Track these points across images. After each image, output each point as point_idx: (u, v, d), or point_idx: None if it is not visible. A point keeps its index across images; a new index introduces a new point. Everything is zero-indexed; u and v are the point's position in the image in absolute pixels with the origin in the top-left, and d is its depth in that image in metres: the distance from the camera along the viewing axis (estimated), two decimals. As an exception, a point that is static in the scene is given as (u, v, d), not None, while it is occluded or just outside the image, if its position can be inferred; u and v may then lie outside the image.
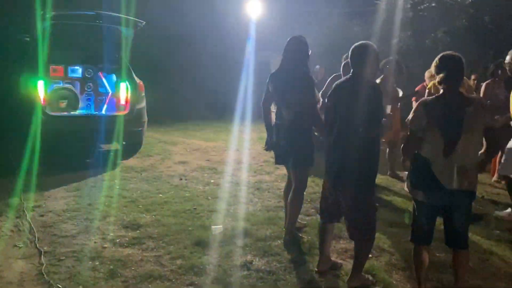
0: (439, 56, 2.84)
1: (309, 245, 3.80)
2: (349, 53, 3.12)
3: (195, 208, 4.71)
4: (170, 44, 13.69)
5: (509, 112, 4.53)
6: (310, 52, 3.76)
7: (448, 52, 2.89)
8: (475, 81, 7.64)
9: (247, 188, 5.57)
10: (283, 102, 3.78)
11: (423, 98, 2.96)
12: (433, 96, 2.89)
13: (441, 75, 2.74)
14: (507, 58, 4.87)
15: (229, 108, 11.31)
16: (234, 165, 6.84)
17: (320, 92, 5.08)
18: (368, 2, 12.04)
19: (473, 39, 10.16)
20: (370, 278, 3.23)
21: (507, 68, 4.98)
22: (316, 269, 3.37)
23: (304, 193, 3.93)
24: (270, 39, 12.49)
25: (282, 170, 6.18)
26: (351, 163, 2.99)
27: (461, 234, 2.85)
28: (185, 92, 13.38)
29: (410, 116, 2.86)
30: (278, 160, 3.97)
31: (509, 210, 4.77)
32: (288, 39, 3.75)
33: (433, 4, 10.35)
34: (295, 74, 3.65)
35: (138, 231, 4.04)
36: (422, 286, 2.98)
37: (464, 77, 3.34)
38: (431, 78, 7.19)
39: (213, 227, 4.10)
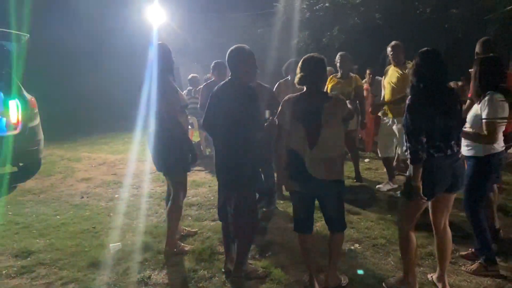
0: (302, 59, 3.05)
1: (200, 253, 3.83)
2: (226, 57, 3.19)
3: (94, 227, 4.52)
4: (73, 56, 13.03)
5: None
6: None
7: (310, 54, 3.11)
8: (371, 76, 8.10)
9: (153, 200, 5.46)
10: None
11: (288, 95, 3.11)
12: (296, 94, 3.07)
13: (300, 74, 2.98)
14: (388, 49, 5.23)
15: (137, 117, 10.97)
16: (142, 177, 6.67)
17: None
18: (269, 4, 12.36)
19: (366, 35, 10.84)
20: (260, 270, 3.44)
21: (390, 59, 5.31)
22: (222, 270, 3.46)
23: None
24: (178, 46, 12.38)
25: (191, 177, 6.18)
26: (233, 166, 3.13)
27: (336, 219, 3.09)
28: (92, 104, 12.83)
29: (279, 110, 3.07)
30: (157, 168, 3.91)
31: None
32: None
33: (327, 4, 10.88)
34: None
35: (29, 258, 3.80)
36: (312, 270, 3.15)
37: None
38: (328, 74, 7.60)
39: (111, 245, 3.96)
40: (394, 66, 5.14)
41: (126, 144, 9.90)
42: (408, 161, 2.86)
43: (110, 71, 13.07)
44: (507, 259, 3.57)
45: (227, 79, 3.26)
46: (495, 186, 3.91)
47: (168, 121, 3.52)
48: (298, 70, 3.02)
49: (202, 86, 5.42)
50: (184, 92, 7.96)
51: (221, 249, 3.86)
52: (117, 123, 12.24)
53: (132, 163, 7.83)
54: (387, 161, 5.68)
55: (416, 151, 2.74)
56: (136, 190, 5.96)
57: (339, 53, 5.78)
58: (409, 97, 2.88)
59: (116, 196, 5.71)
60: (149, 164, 7.54)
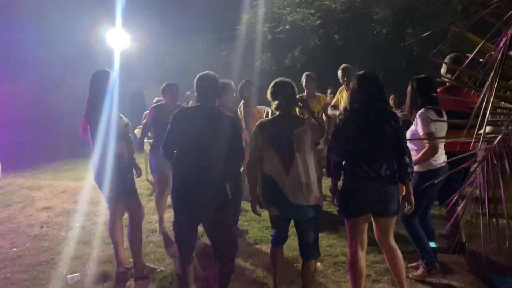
0: (272, 84, 3.09)
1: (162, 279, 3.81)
2: (197, 83, 3.09)
3: (52, 258, 4.41)
4: (35, 81, 12.75)
5: None
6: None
7: (279, 79, 3.14)
8: (332, 95, 8.30)
9: (115, 227, 5.36)
10: None
11: (260, 120, 3.13)
12: (269, 118, 3.11)
13: (277, 101, 2.99)
14: (338, 72, 5.39)
15: (99, 142, 10.80)
16: (103, 204, 6.49)
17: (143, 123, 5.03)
18: (231, 27, 12.55)
19: (327, 56, 11.15)
20: None
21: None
22: None
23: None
24: (142, 69, 12.34)
25: (149, 203, 6.13)
26: (212, 191, 2.98)
27: (311, 245, 3.08)
28: (55, 129, 12.53)
29: (252, 136, 3.07)
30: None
31: None
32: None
33: (288, 27, 11.16)
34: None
35: (-18, 295, 3.66)
36: (277, 282, 3.23)
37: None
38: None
39: (68, 276, 3.88)
40: (346, 90, 5.27)
41: (89, 171, 9.66)
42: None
43: (73, 96, 12.87)
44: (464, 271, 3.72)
45: (195, 105, 3.15)
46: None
47: (110, 147, 3.57)
48: (271, 96, 3.05)
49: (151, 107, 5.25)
50: (145, 113, 7.90)
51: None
52: (82, 149, 11.99)
53: (95, 190, 7.62)
54: None
55: (330, 167, 3.03)
56: (97, 218, 5.85)
57: (305, 73, 5.83)
58: (340, 118, 3.04)
59: (77, 224, 5.59)
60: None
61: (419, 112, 3.38)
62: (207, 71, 3.16)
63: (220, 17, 12.94)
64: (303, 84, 5.79)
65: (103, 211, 6.11)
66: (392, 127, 2.90)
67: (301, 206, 2.94)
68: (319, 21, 11.18)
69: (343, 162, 2.99)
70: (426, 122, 3.29)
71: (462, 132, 1.96)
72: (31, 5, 11.91)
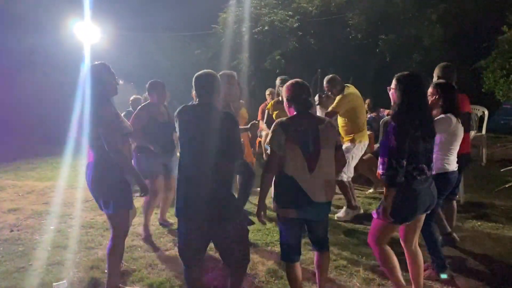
0: (290, 84, 3.01)
1: (158, 286, 3.56)
2: (199, 81, 2.89)
3: (31, 264, 4.01)
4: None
5: None
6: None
7: (295, 80, 3.08)
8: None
9: (95, 230, 5.01)
10: None
11: (279, 119, 2.98)
12: (287, 117, 2.98)
13: (301, 99, 2.93)
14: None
15: (68, 140, 10.26)
16: (78, 205, 6.13)
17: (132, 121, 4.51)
18: (204, 25, 12.31)
19: (303, 59, 11.16)
20: None
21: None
22: None
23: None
24: (111, 65, 11.81)
25: (135, 204, 5.78)
26: (222, 197, 2.78)
27: (324, 239, 3.09)
28: (16, 127, 11.80)
29: (269, 135, 2.89)
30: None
31: (344, 208, 5.36)
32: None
33: (266, 28, 11.07)
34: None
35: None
36: None
37: None
38: (270, 96, 7.60)
39: (54, 284, 3.52)
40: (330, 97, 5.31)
41: (55, 170, 9.17)
42: (384, 184, 2.86)
43: (36, 91, 12.18)
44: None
45: (194, 103, 2.96)
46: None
47: (107, 150, 3.10)
48: (291, 96, 2.96)
49: (139, 107, 4.84)
50: (123, 113, 7.53)
51: (179, 281, 3.60)
52: (44, 147, 11.37)
53: (65, 190, 7.21)
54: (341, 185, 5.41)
55: (395, 174, 2.73)
56: (73, 221, 5.44)
57: (279, 77, 5.63)
58: (394, 118, 2.86)
59: (52, 227, 5.17)
60: (84, 192, 7.00)
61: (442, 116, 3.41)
62: (205, 70, 2.98)
63: (193, 14, 12.65)
64: (278, 88, 5.63)
65: (79, 213, 5.73)
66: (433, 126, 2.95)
67: (322, 203, 2.88)
68: (297, 24, 11.15)
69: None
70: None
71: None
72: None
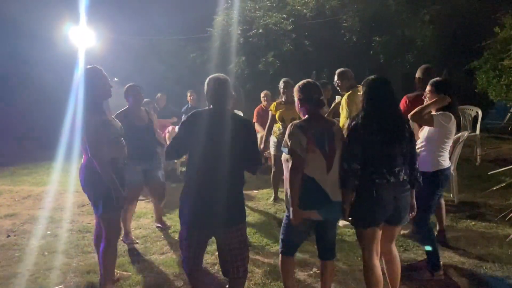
0: (301, 85, 3.06)
1: None
2: (212, 85, 2.91)
3: (28, 269, 4.03)
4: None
5: None
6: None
7: (306, 80, 3.13)
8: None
9: (91, 234, 4.97)
10: None
11: (294, 122, 3.01)
12: (302, 120, 3.01)
13: (315, 97, 2.98)
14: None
15: (63, 144, 10.23)
16: (74, 210, 6.14)
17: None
18: (199, 29, 12.32)
19: (298, 61, 11.20)
20: None
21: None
22: None
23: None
24: (105, 70, 11.79)
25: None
26: (233, 202, 2.84)
27: (332, 244, 3.09)
28: (11, 131, 11.75)
29: (289, 139, 2.87)
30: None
31: None
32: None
33: (260, 31, 11.11)
34: None
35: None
36: None
37: None
38: (265, 98, 7.65)
39: (52, 289, 3.55)
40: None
41: (51, 175, 9.14)
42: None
43: (30, 95, 12.17)
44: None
45: (208, 108, 2.94)
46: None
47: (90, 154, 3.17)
48: (304, 96, 3.00)
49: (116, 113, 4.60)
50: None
51: (178, 283, 3.63)
52: (40, 151, 11.33)
53: (61, 195, 7.22)
54: None
55: (346, 176, 2.85)
56: (70, 225, 5.46)
57: (282, 80, 5.84)
58: (352, 123, 2.96)
59: (49, 232, 5.18)
60: (80, 196, 7.01)
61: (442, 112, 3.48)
62: (217, 74, 3.01)
63: (188, 18, 12.67)
64: (281, 90, 5.75)
65: (75, 218, 5.75)
66: (408, 130, 2.94)
67: (339, 203, 2.92)
68: (292, 26, 11.20)
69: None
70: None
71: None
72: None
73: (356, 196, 2.96)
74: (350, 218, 3.02)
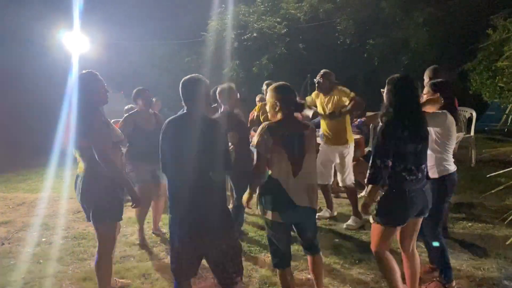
0: (275, 87, 3.03)
1: None
2: (180, 88, 2.82)
3: (23, 277, 3.98)
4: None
5: None
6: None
7: (280, 83, 3.09)
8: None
9: (87, 241, 4.97)
10: None
11: (266, 122, 3.02)
12: (275, 121, 2.99)
13: (281, 105, 2.94)
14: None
15: (58, 150, 10.17)
16: (70, 216, 6.09)
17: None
18: (193, 33, 12.32)
19: (292, 64, 11.22)
20: None
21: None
22: None
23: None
24: (100, 74, 11.74)
25: (126, 214, 5.74)
26: (215, 210, 2.73)
27: (314, 242, 3.13)
28: (5, 138, 11.65)
29: (256, 139, 2.90)
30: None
31: (352, 218, 5.22)
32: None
33: (255, 34, 11.13)
34: None
35: None
36: None
37: None
38: (260, 101, 7.61)
39: (47, 297, 3.51)
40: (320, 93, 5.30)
41: (45, 181, 9.07)
42: (366, 182, 2.90)
43: (24, 101, 12.08)
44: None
45: (182, 112, 2.87)
46: None
47: (97, 160, 3.04)
48: (276, 99, 2.96)
49: (126, 115, 4.82)
50: (112, 121, 7.48)
51: (174, 290, 3.59)
52: (34, 158, 11.24)
53: (56, 201, 7.16)
54: (324, 189, 5.52)
55: (377, 173, 2.80)
56: (65, 232, 5.40)
57: (265, 82, 5.62)
58: (384, 120, 2.92)
59: (44, 240, 5.13)
60: (75, 202, 6.95)
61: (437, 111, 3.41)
62: (190, 75, 2.86)
63: (182, 22, 12.68)
64: (264, 92, 5.62)
65: (70, 225, 5.70)
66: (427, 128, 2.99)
67: (305, 208, 2.91)
68: (285, 30, 11.23)
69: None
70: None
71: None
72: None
73: (386, 194, 2.93)
74: (374, 216, 2.99)
